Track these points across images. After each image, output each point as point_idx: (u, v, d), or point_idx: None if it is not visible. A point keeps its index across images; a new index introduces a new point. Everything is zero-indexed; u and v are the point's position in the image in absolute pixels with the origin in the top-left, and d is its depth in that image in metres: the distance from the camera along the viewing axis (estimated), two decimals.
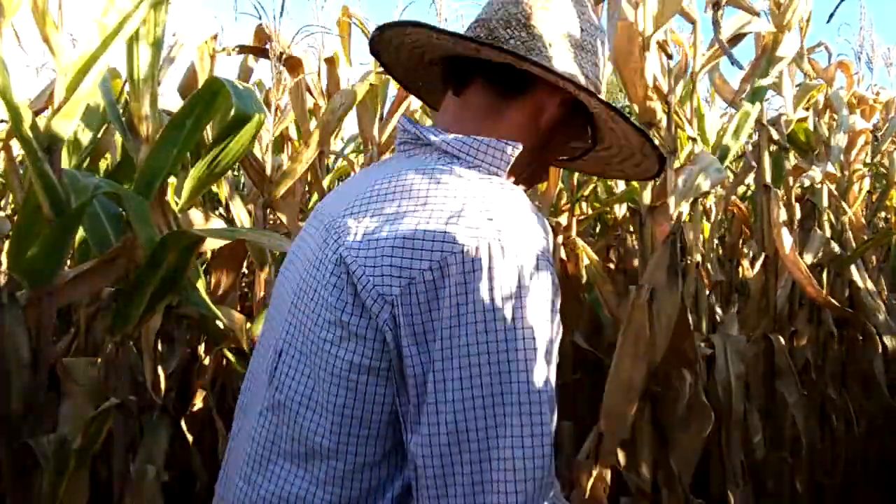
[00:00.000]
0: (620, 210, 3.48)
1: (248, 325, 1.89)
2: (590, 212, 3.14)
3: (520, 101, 0.79)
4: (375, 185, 0.74)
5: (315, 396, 0.70)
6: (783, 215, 1.97)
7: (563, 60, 0.79)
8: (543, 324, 0.67)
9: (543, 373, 0.67)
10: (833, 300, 2.18)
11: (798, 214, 2.42)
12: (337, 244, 0.70)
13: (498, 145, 0.76)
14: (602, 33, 0.86)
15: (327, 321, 0.69)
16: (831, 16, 0.72)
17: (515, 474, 0.63)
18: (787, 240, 1.91)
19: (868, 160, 2.91)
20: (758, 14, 1.62)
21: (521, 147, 0.77)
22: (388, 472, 0.71)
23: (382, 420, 0.69)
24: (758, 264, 2.26)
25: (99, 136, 1.75)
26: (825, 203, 2.41)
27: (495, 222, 0.67)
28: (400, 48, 0.88)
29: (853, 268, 2.44)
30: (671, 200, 1.60)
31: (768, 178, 2.17)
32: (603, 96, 0.82)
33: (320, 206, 0.87)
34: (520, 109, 0.79)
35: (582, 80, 0.79)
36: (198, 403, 2.09)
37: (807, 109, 2.42)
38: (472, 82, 0.80)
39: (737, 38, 1.74)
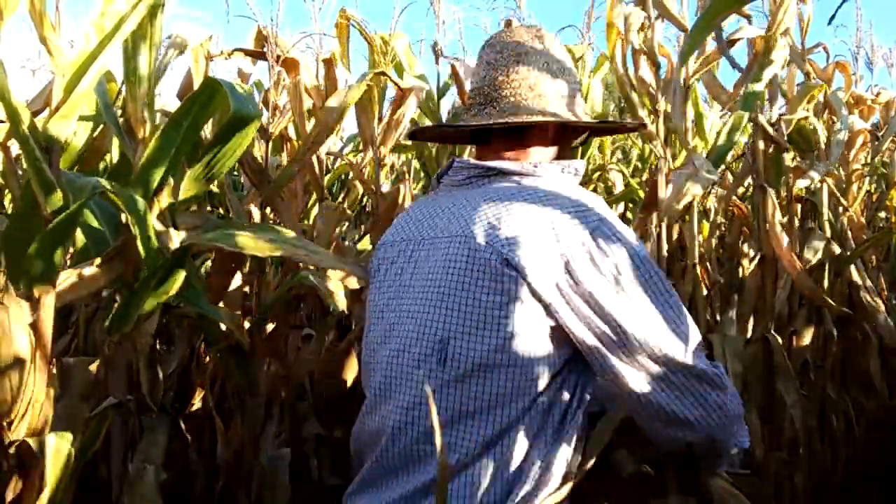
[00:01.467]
0: (618, 210, 3.48)
1: (248, 324, 1.89)
2: None
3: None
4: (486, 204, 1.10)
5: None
6: (779, 215, 1.96)
7: (559, 109, 1.18)
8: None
9: None
10: (830, 300, 2.18)
11: (799, 214, 2.42)
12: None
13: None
14: (574, 79, 1.23)
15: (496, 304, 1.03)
16: (832, 18, 0.72)
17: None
18: (782, 239, 1.92)
19: (868, 160, 2.91)
20: (749, 17, 1.62)
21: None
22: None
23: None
24: (753, 264, 2.26)
25: (94, 137, 1.76)
26: (825, 203, 2.41)
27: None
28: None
29: (853, 268, 2.44)
30: (661, 204, 1.61)
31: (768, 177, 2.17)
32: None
33: (412, 231, 1.21)
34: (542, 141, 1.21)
35: (571, 117, 1.18)
36: (197, 403, 2.09)
37: (807, 110, 2.42)
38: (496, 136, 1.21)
39: (730, 43, 1.74)
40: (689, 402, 1.03)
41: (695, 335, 1.05)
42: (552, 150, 1.19)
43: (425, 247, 1.12)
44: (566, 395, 1.06)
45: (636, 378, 1.02)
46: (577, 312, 1.01)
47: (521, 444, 1.02)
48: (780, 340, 2.07)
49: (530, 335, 1.01)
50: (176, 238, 1.34)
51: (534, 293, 1.00)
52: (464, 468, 1.02)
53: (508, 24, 2.78)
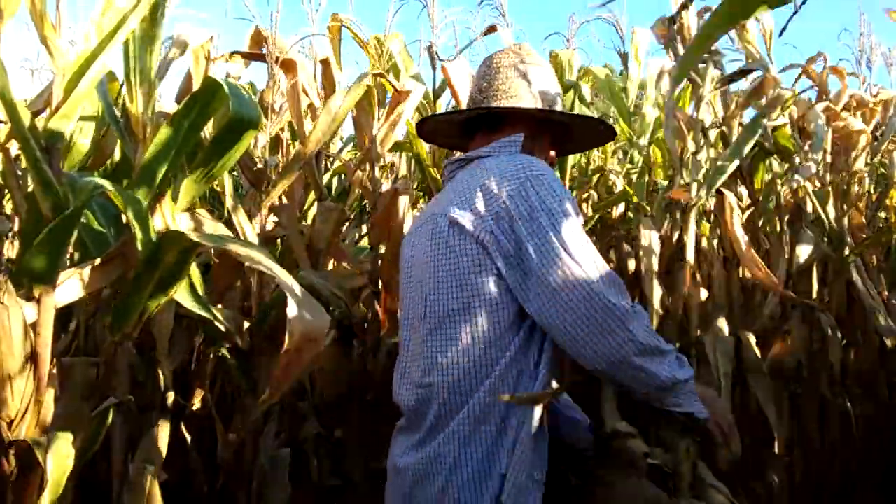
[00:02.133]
0: (618, 210, 3.48)
1: (247, 324, 1.89)
2: (590, 212, 3.13)
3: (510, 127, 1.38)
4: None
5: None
6: (738, 217, 1.99)
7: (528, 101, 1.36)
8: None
9: None
10: (829, 300, 2.19)
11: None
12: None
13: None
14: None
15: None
16: (782, 30, 0.73)
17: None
18: (742, 239, 1.96)
19: (868, 160, 2.91)
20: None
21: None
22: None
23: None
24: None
25: (100, 137, 1.76)
26: (809, 206, 2.42)
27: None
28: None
29: (853, 268, 2.44)
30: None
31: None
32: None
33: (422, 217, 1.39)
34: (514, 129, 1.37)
35: (532, 108, 1.36)
36: (197, 403, 2.09)
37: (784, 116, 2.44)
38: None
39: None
40: (586, 328, 1.14)
41: (604, 269, 1.17)
42: (518, 138, 1.33)
43: (417, 232, 1.36)
44: (524, 335, 1.21)
45: (547, 308, 1.17)
46: (503, 253, 1.18)
47: (490, 383, 1.19)
48: (752, 338, 2.07)
49: (480, 278, 1.20)
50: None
51: (476, 240, 1.20)
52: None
53: (492, 29, 2.78)
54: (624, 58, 3.02)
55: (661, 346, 1.18)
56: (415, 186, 3.66)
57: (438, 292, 1.23)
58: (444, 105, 2.61)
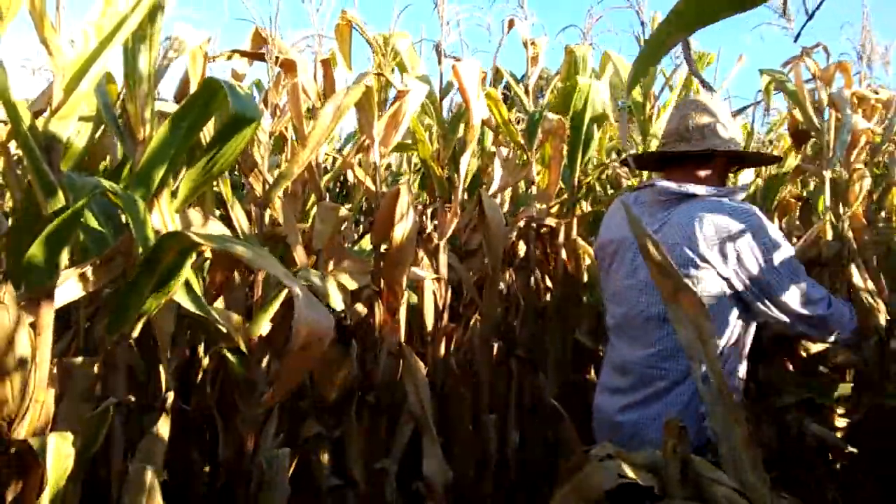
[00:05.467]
0: None
1: (247, 324, 1.89)
2: (588, 209, 3.14)
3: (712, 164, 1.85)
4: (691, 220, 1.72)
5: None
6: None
7: (724, 142, 1.82)
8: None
9: None
10: None
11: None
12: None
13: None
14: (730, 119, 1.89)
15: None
16: (797, 37, 0.72)
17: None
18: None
19: (868, 159, 2.91)
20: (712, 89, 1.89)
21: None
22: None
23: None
24: None
25: (96, 138, 1.76)
26: (827, 202, 2.42)
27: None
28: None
29: (853, 268, 2.43)
30: None
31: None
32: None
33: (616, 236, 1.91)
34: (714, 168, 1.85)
35: (733, 147, 1.83)
36: (197, 403, 2.09)
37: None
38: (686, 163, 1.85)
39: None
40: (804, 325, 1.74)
41: (805, 288, 1.70)
42: (716, 173, 1.83)
43: (633, 249, 1.80)
44: (737, 336, 1.72)
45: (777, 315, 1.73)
46: (740, 279, 1.68)
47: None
48: None
49: (715, 299, 1.67)
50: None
51: (718, 272, 1.67)
52: (674, 386, 1.71)
53: (511, 23, 2.78)
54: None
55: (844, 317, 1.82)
56: (416, 187, 3.66)
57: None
58: (444, 105, 2.61)
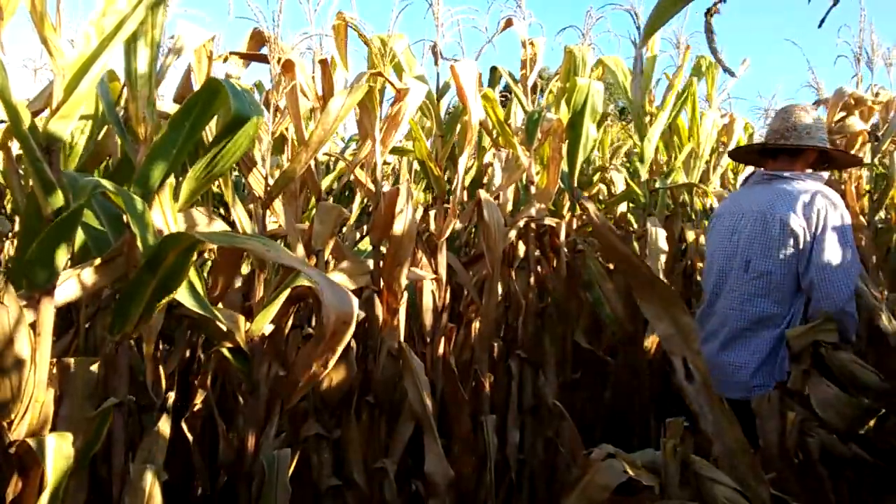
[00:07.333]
0: (620, 208, 3.47)
1: (248, 324, 1.89)
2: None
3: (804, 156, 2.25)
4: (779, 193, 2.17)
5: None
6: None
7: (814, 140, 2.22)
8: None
9: None
10: None
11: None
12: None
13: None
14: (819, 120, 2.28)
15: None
16: (822, 22, 0.72)
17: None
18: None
19: (868, 160, 2.91)
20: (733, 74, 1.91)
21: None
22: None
23: None
24: None
25: (99, 138, 1.75)
26: None
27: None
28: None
29: None
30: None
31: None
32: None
33: (732, 206, 2.34)
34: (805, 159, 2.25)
35: (821, 145, 2.22)
36: (198, 403, 2.09)
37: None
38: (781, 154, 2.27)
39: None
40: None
41: (849, 278, 2.03)
42: (809, 166, 2.22)
43: (743, 217, 2.20)
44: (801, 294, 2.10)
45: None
46: (807, 247, 2.05)
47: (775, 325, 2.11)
48: None
49: (790, 260, 2.07)
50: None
51: (793, 236, 2.05)
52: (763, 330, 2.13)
53: (508, 23, 2.77)
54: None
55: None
56: (416, 186, 3.66)
57: (758, 258, 2.11)
58: (445, 105, 2.61)
